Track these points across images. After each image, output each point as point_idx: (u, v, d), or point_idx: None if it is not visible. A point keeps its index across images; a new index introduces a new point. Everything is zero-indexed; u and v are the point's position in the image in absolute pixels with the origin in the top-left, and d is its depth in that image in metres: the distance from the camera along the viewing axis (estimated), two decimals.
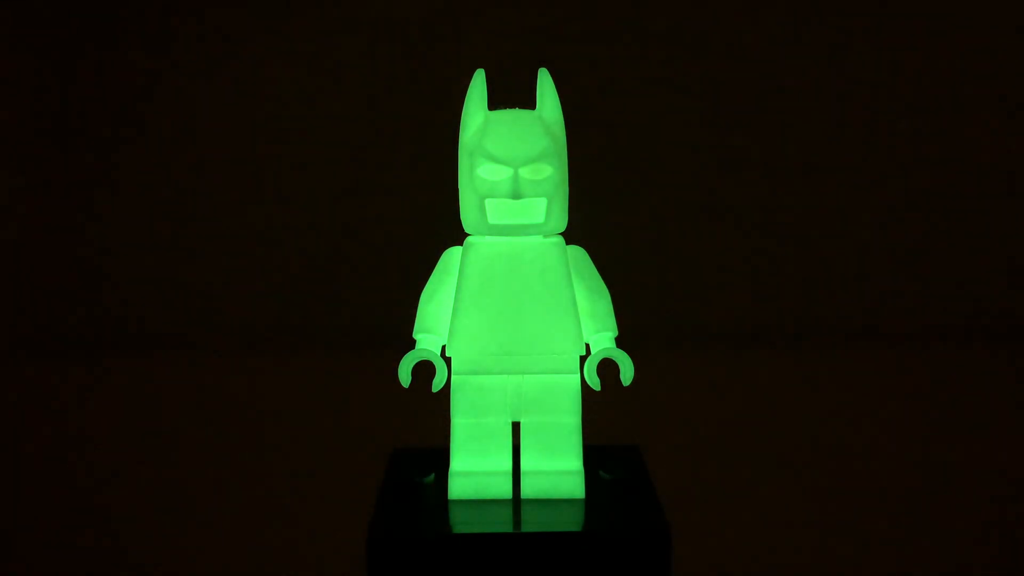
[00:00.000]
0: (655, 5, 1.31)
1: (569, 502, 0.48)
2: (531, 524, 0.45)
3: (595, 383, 0.47)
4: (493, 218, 0.46)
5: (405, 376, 0.47)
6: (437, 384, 0.47)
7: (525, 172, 0.45)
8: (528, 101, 0.48)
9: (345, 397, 1.05)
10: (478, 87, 0.47)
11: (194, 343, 1.27)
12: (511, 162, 0.45)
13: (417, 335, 0.48)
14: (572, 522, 0.45)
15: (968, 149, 1.31)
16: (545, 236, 0.47)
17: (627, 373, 0.47)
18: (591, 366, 0.47)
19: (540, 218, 0.46)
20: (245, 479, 0.83)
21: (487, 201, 0.46)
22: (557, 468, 0.48)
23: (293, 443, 0.92)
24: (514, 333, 0.47)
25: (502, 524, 0.45)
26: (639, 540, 0.44)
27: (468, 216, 0.47)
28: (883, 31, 1.31)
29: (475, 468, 0.48)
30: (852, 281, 1.31)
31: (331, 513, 0.73)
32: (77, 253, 1.32)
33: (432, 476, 0.50)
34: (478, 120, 0.47)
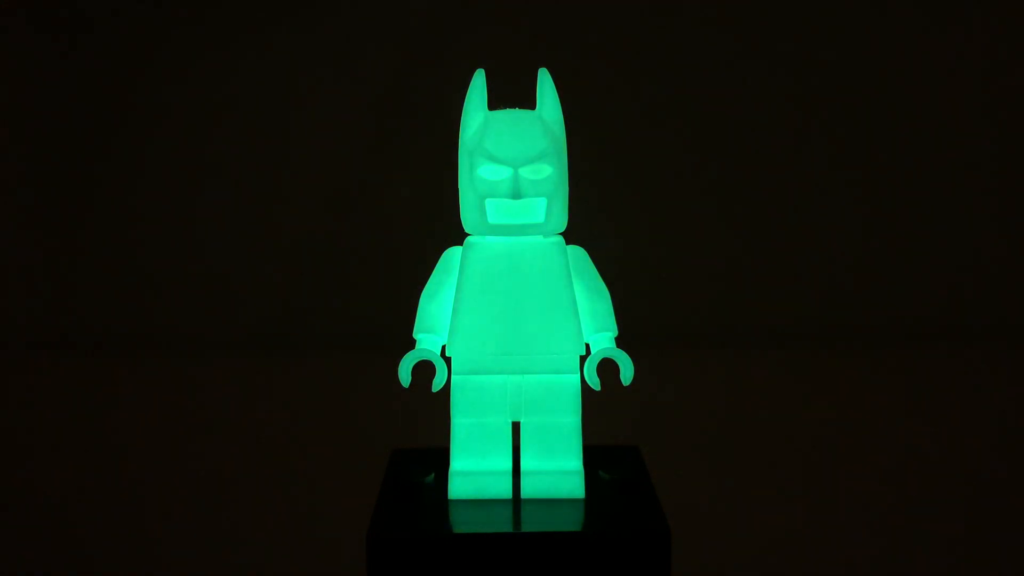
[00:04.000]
0: (656, 5, 1.31)
1: (569, 502, 0.47)
2: (531, 524, 0.45)
3: (595, 383, 0.47)
4: (493, 218, 0.46)
5: (405, 376, 0.47)
6: (437, 384, 0.47)
7: (525, 172, 0.45)
8: (528, 101, 0.48)
9: (345, 397, 1.05)
10: (478, 87, 0.47)
11: (194, 344, 1.27)
12: (511, 162, 0.45)
13: (417, 335, 0.48)
14: (572, 522, 0.45)
15: (968, 150, 1.31)
16: (545, 236, 0.47)
17: (627, 373, 0.47)
18: (591, 366, 0.47)
19: (540, 218, 0.46)
20: (245, 479, 0.83)
21: (487, 201, 0.46)
22: (557, 468, 0.48)
23: (293, 443, 0.92)
24: (514, 333, 0.47)
25: (502, 524, 0.45)
26: (639, 540, 0.44)
27: (468, 216, 0.47)
28: (882, 33, 1.31)
29: (475, 468, 0.48)
30: (852, 282, 1.31)
31: (331, 513, 0.73)
32: (79, 254, 1.33)
33: (432, 476, 0.50)
34: (478, 120, 0.47)
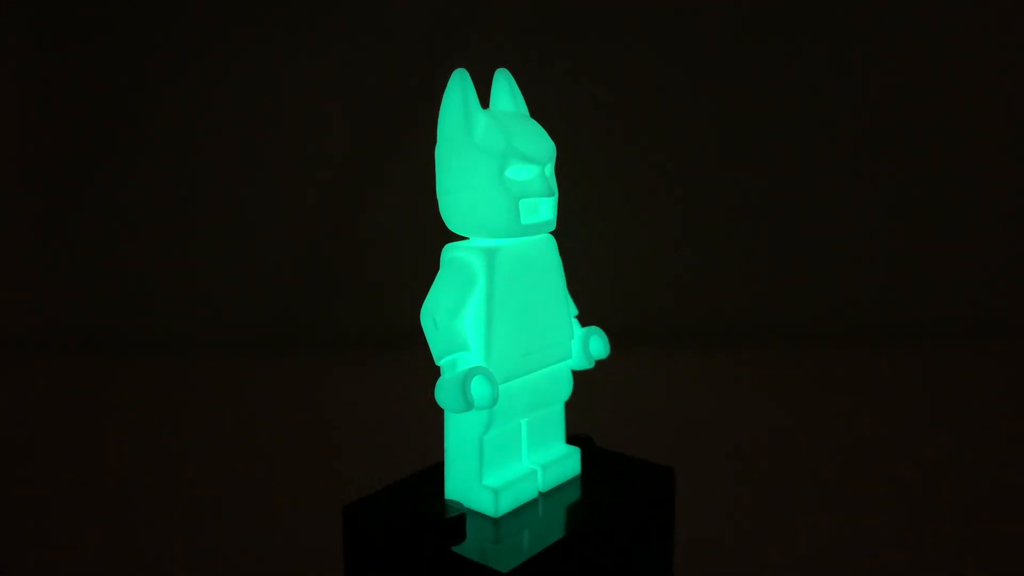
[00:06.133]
0: (654, 4, 1.29)
1: (575, 480, 0.50)
2: (597, 511, 0.46)
3: (591, 360, 0.49)
4: (527, 218, 0.44)
5: (466, 402, 0.42)
6: (492, 400, 0.43)
7: (546, 170, 0.45)
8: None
9: (328, 402, 1.02)
10: (469, 87, 0.44)
11: (188, 346, 1.26)
12: (540, 160, 0.44)
13: (451, 356, 0.43)
14: (620, 493, 0.48)
15: (967, 150, 1.35)
16: (540, 233, 0.47)
17: (605, 346, 0.50)
18: (585, 346, 0.49)
19: (553, 214, 0.47)
20: (243, 479, 0.79)
21: (522, 202, 0.44)
22: (559, 455, 0.49)
23: (278, 449, 0.87)
24: (534, 331, 0.46)
25: (573, 522, 0.45)
26: (652, 484, 0.50)
27: (494, 219, 0.44)
28: (881, 35, 1.32)
29: (506, 479, 0.46)
30: (850, 281, 1.33)
31: (325, 513, 0.67)
32: (79, 255, 1.33)
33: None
34: (483, 120, 0.44)
